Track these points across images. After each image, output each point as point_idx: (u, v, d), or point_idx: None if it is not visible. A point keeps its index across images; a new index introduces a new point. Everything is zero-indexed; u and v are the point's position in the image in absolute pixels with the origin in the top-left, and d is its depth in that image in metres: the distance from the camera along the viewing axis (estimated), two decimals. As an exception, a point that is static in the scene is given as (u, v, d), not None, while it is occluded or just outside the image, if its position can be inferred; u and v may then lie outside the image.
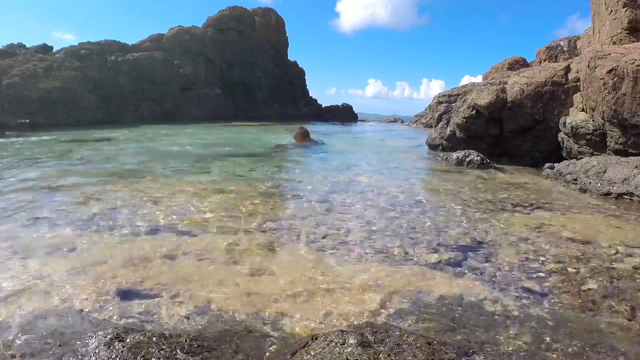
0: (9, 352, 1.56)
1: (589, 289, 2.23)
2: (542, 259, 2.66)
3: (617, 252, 2.75)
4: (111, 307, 1.95)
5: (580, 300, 2.11)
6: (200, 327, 1.80)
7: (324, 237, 2.99)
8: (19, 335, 1.69)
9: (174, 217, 3.41)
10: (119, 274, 2.30)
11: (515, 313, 1.97)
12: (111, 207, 3.69)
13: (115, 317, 1.86)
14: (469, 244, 2.93)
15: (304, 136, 10.49)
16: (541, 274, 2.42)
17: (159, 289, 2.15)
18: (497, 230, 3.25)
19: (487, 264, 2.57)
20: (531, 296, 2.15)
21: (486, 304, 2.06)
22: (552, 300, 2.11)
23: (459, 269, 2.50)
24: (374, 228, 3.24)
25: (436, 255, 2.69)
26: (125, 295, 2.07)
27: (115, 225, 3.15)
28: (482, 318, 1.91)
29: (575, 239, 3.03)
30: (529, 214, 3.78)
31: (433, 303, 2.06)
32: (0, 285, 2.13)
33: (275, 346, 1.65)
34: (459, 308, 2.01)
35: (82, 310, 1.91)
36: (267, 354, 1.61)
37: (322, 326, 1.78)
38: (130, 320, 1.84)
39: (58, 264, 2.40)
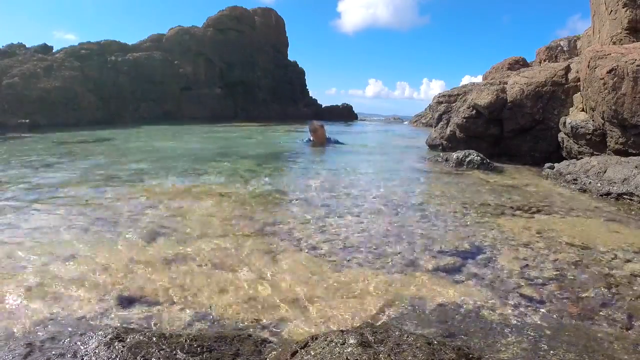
0: (10, 354, 1.57)
1: (587, 297, 2.23)
2: (541, 264, 2.66)
3: (615, 258, 2.75)
4: (111, 314, 1.96)
5: (578, 308, 2.11)
6: (201, 332, 1.81)
7: (323, 242, 2.99)
8: (19, 338, 1.69)
9: (174, 221, 3.42)
10: (119, 280, 2.30)
11: (514, 321, 1.97)
12: (110, 211, 3.69)
13: (115, 323, 1.87)
14: (468, 249, 2.93)
15: (324, 133, 9.65)
16: (540, 281, 2.42)
17: (159, 294, 2.15)
18: (496, 234, 3.25)
19: (486, 270, 2.57)
20: (529, 303, 2.16)
21: (485, 311, 2.06)
22: (550, 308, 2.11)
23: (458, 275, 2.50)
24: (373, 233, 3.24)
25: (435, 261, 2.69)
26: (126, 301, 2.08)
27: (114, 230, 3.16)
28: (481, 325, 1.92)
29: (574, 244, 3.03)
30: (528, 217, 3.78)
31: (432, 309, 2.07)
32: (0, 292, 2.13)
33: (274, 352, 1.65)
34: (458, 315, 2.01)
35: (82, 317, 1.92)
36: (267, 358, 1.62)
37: (322, 331, 1.78)
38: (131, 326, 1.84)
39: (57, 270, 2.41)
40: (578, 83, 6.80)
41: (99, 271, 2.41)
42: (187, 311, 2.00)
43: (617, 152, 5.59)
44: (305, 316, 1.98)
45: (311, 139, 9.82)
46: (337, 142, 10.04)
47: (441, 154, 7.54)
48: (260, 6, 32.28)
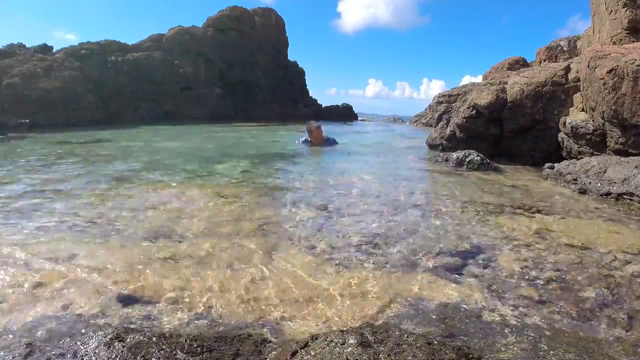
0: (11, 354, 1.57)
1: (587, 298, 2.24)
2: (541, 265, 2.66)
3: (615, 259, 2.75)
4: (111, 313, 1.96)
5: (578, 309, 2.11)
6: (200, 331, 1.81)
7: (323, 242, 3.00)
8: (20, 339, 1.70)
9: (173, 221, 3.42)
10: (119, 279, 2.31)
11: (514, 321, 1.97)
12: (110, 212, 3.69)
13: (115, 323, 1.87)
14: (469, 249, 2.93)
15: (320, 133, 9.55)
16: (540, 281, 2.42)
17: (159, 294, 2.16)
18: (496, 234, 3.25)
19: (486, 270, 2.57)
20: (529, 304, 2.16)
21: (485, 311, 2.07)
22: (550, 309, 2.11)
23: (458, 275, 2.51)
24: (373, 232, 3.24)
25: (435, 261, 2.69)
26: (126, 300, 2.08)
27: (114, 231, 3.16)
28: (481, 325, 1.92)
29: (574, 244, 3.03)
30: (528, 217, 3.78)
31: (432, 309, 2.07)
32: (1, 292, 2.14)
33: (274, 352, 1.65)
34: (458, 315, 2.01)
35: (82, 316, 1.92)
36: (267, 358, 1.62)
37: (322, 331, 1.78)
38: (131, 326, 1.85)
39: (57, 270, 2.41)
40: (578, 83, 6.80)
41: (99, 271, 2.41)
42: (187, 311, 2.00)
43: (617, 152, 5.59)
44: (305, 316, 1.98)
45: (308, 139, 9.77)
46: (335, 142, 9.99)
47: (441, 154, 7.53)
48: (260, 6, 32.26)
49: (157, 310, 2.00)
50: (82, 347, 1.59)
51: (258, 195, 4.43)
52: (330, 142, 9.92)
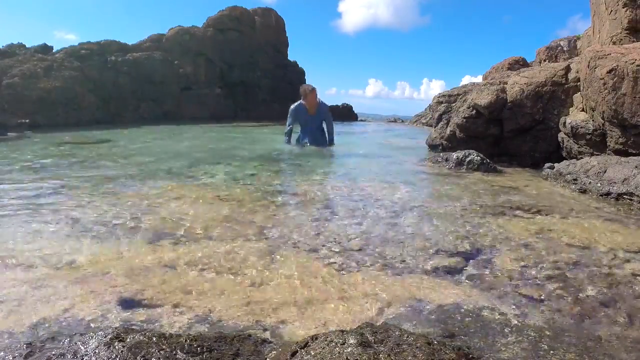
0: (10, 354, 1.57)
1: (587, 296, 2.24)
2: (541, 265, 2.66)
3: (615, 258, 2.76)
4: (112, 316, 1.96)
5: (578, 308, 2.11)
6: (201, 332, 1.81)
7: (322, 245, 3.00)
8: (19, 338, 1.70)
9: (174, 224, 3.42)
10: (120, 283, 2.31)
11: (514, 321, 1.97)
12: (109, 213, 3.69)
13: (116, 325, 1.87)
14: (468, 249, 2.93)
15: (314, 97, 9.31)
16: (540, 281, 2.43)
17: (159, 298, 2.16)
18: (496, 235, 3.25)
19: (486, 271, 2.58)
20: (529, 303, 2.16)
21: (485, 311, 2.07)
22: (550, 308, 2.12)
23: (458, 276, 2.51)
24: (372, 235, 3.24)
25: (435, 262, 2.69)
26: (126, 304, 2.08)
27: (114, 234, 3.16)
28: (481, 326, 1.92)
29: (574, 244, 3.03)
30: (528, 217, 3.78)
31: (431, 310, 2.07)
32: (1, 294, 2.14)
33: (274, 352, 1.66)
34: (458, 315, 2.02)
35: (82, 319, 1.92)
36: (267, 358, 1.62)
37: (322, 332, 1.79)
38: (132, 327, 1.85)
39: (58, 274, 2.41)
40: (578, 83, 6.80)
41: (99, 273, 2.42)
42: (187, 314, 2.00)
43: (617, 152, 5.59)
44: (305, 318, 1.98)
45: (303, 102, 9.41)
46: (332, 142, 9.93)
47: (441, 154, 7.53)
48: (260, 6, 32.20)
49: (158, 314, 2.00)
50: (82, 347, 1.58)
51: (258, 197, 4.43)
52: (324, 111, 9.68)
